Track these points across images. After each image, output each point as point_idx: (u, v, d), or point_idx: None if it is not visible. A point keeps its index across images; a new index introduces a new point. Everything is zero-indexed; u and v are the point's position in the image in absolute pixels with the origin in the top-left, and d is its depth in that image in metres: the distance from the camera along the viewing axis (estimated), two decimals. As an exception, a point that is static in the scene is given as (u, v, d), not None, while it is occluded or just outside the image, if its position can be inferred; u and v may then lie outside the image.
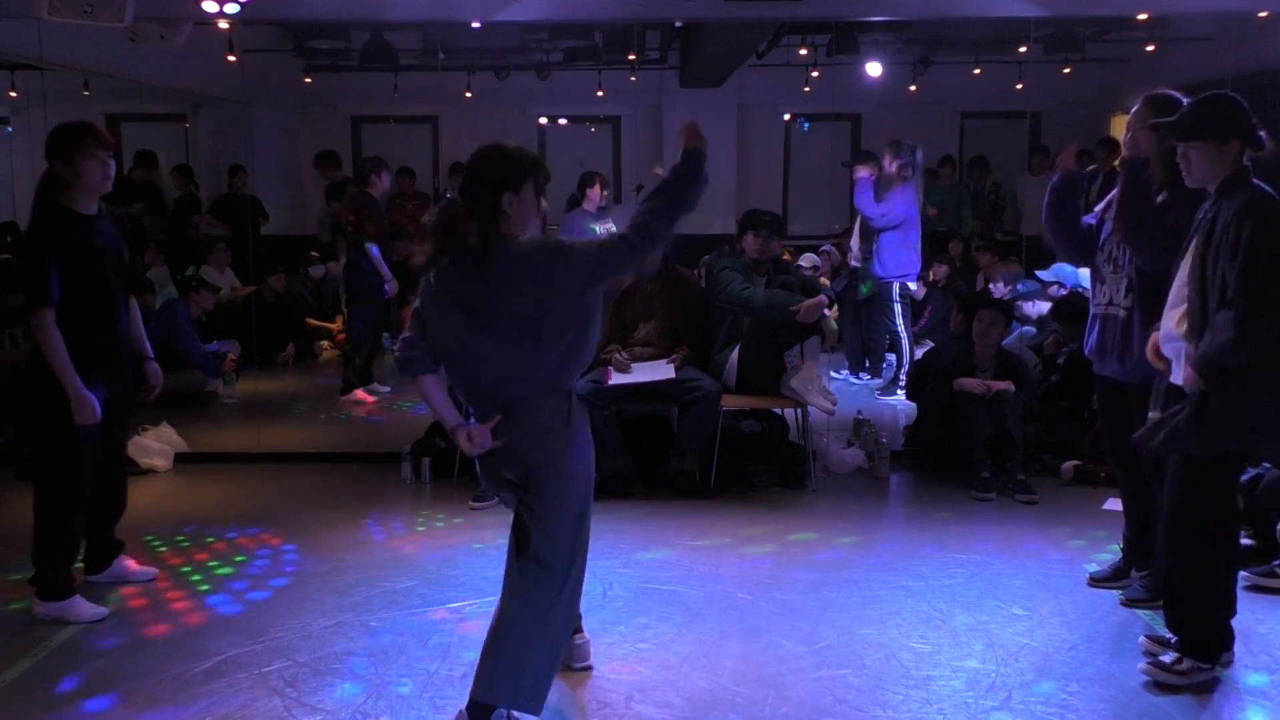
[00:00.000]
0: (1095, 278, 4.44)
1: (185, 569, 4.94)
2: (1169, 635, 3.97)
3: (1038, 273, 8.59)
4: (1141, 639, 4.04)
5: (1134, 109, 4.23)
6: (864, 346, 8.95)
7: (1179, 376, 3.72)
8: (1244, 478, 5.09)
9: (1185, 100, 4.03)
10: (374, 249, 8.25)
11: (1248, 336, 3.44)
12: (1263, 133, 3.67)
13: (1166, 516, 3.79)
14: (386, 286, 8.34)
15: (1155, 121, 3.95)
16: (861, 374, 8.96)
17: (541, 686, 3.33)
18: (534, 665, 3.30)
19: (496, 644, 3.31)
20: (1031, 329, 8.18)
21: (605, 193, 9.07)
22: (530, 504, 3.35)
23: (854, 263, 8.92)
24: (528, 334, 3.27)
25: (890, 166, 8.27)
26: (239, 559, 5.08)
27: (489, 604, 4.27)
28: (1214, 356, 3.49)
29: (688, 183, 3.35)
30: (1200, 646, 3.76)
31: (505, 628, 3.32)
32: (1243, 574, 4.61)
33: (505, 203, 3.31)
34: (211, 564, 5.02)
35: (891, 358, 8.71)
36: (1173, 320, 3.74)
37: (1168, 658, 3.78)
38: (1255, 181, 3.62)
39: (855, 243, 8.84)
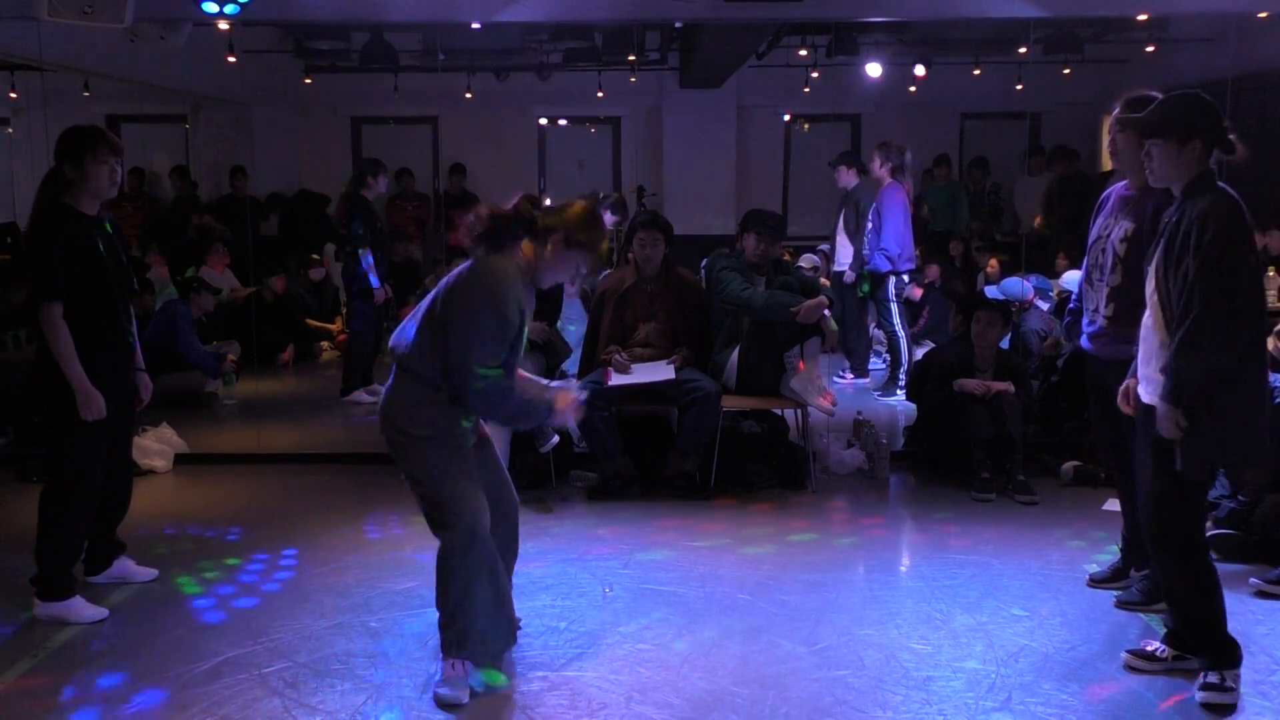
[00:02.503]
0: (1085, 282, 4.45)
1: (185, 570, 4.94)
2: (1152, 647, 3.90)
3: (987, 289, 8.57)
4: (1123, 655, 3.94)
5: (1114, 111, 4.22)
6: (846, 347, 8.91)
7: (1148, 395, 3.65)
8: (1230, 505, 5.09)
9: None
10: (367, 256, 8.13)
11: (1206, 348, 3.39)
12: (1233, 136, 3.58)
13: (1153, 543, 3.71)
14: (375, 293, 8.21)
15: (1122, 116, 3.99)
16: (854, 374, 8.94)
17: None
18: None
19: None
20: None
21: (616, 220, 8.75)
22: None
23: (842, 268, 8.86)
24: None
25: (880, 170, 8.23)
26: (239, 560, 5.08)
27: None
28: (1186, 377, 3.43)
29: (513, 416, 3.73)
30: (1225, 652, 3.63)
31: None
32: (1252, 579, 4.62)
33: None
34: (211, 564, 5.02)
35: (876, 360, 8.69)
36: (1155, 339, 3.64)
37: (1213, 677, 3.62)
38: (1220, 185, 3.54)
39: (841, 244, 8.79)
